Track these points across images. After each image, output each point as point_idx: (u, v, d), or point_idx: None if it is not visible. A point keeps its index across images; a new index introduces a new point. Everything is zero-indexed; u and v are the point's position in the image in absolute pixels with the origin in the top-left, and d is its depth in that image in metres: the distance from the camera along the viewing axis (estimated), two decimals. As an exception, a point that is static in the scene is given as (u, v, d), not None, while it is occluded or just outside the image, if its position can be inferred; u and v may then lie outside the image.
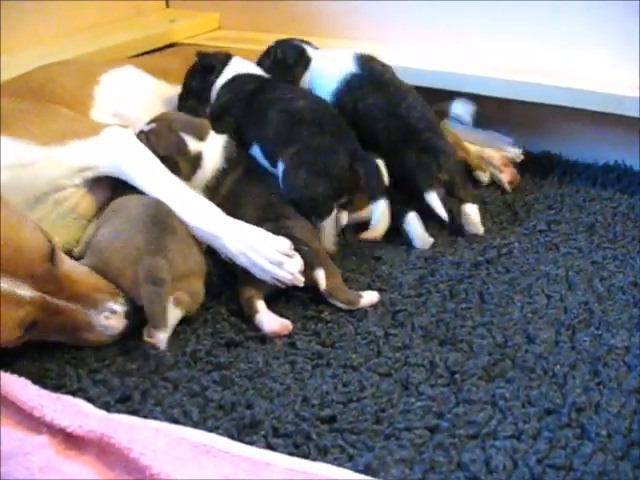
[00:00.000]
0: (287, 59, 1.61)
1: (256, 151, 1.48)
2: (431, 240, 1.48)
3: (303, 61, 1.61)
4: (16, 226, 1.11)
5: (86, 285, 1.17)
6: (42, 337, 1.17)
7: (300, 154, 1.40)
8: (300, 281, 1.26)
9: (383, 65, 1.60)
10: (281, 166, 1.42)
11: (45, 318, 1.13)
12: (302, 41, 1.66)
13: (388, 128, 1.49)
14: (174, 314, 1.21)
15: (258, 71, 1.62)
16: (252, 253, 1.26)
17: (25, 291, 1.09)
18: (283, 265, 1.25)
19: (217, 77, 1.59)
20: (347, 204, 1.45)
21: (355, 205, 1.48)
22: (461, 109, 1.47)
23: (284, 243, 1.26)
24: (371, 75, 1.56)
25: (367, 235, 1.48)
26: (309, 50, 1.64)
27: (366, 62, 1.58)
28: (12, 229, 1.10)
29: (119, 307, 1.18)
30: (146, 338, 1.18)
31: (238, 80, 1.58)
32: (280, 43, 1.65)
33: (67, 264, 1.18)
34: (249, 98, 1.52)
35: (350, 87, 1.54)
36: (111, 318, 1.18)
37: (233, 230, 1.29)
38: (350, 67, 1.57)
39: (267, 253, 1.25)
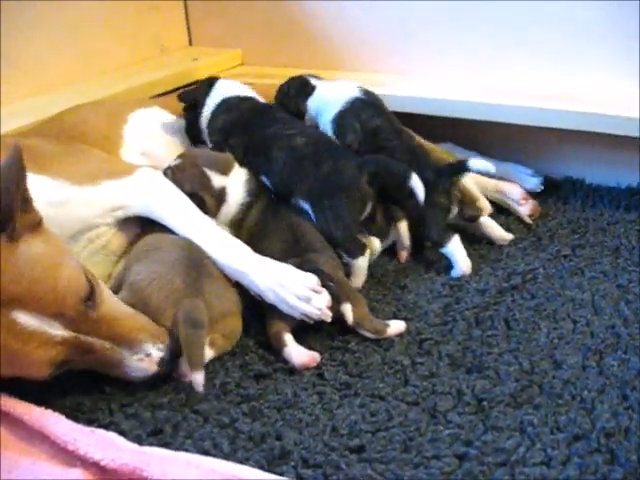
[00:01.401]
0: (290, 92, 1.71)
1: (265, 181, 1.54)
2: (470, 264, 1.50)
3: (305, 91, 1.70)
4: (56, 265, 1.10)
5: (127, 326, 1.16)
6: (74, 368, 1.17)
7: (313, 189, 1.45)
8: (328, 316, 1.27)
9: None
10: (306, 206, 1.46)
11: (77, 357, 1.12)
12: (311, 76, 1.75)
13: (399, 148, 1.55)
14: (207, 355, 1.22)
15: (243, 91, 1.70)
16: (280, 290, 1.27)
17: (57, 330, 1.08)
18: (311, 301, 1.26)
19: (201, 108, 1.67)
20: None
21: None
22: (480, 165, 1.50)
23: (312, 279, 1.27)
24: (374, 101, 1.65)
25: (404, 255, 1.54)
26: (313, 81, 1.72)
27: (367, 91, 1.67)
28: (51, 267, 1.09)
29: (155, 351, 1.17)
30: (178, 375, 1.19)
31: (228, 103, 1.66)
32: (290, 79, 1.75)
33: (110, 304, 1.16)
34: (246, 125, 1.59)
35: (354, 109, 1.62)
36: (144, 361, 1.16)
37: (261, 267, 1.31)
38: (354, 93, 1.64)
39: (295, 289, 1.26)
